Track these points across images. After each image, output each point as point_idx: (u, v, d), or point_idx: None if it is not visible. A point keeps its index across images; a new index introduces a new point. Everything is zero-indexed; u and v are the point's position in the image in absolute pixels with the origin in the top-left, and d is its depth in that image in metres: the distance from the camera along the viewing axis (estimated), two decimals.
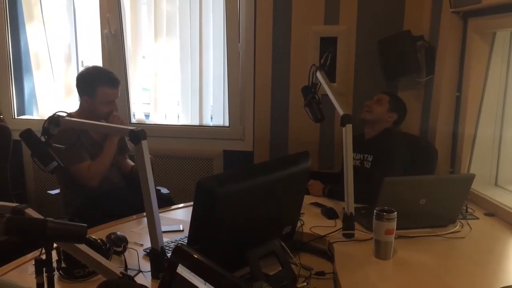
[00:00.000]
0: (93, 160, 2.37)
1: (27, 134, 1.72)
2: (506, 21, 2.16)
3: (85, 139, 2.38)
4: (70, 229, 1.15)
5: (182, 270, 0.85)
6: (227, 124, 3.34)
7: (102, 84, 2.36)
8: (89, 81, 2.39)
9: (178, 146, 3.35)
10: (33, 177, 3.55)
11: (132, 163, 2.62)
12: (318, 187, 2.41)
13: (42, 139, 1.71)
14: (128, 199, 2.24)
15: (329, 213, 2.10)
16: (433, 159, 2.59)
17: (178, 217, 2.15)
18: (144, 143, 1.46)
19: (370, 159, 2.48)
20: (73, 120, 1.74)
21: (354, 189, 1.84)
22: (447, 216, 1.97)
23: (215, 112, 3.38)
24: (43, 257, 1.15)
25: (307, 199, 2.23)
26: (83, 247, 1.30)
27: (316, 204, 2.24)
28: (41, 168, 1.72)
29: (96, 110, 2.38)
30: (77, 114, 2.42)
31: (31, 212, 1.29)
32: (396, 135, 2.58)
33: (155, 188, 1.52)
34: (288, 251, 1.61)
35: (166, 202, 2.39)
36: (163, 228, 1.60)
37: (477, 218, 2.10)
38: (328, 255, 1.77)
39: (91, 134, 2.44)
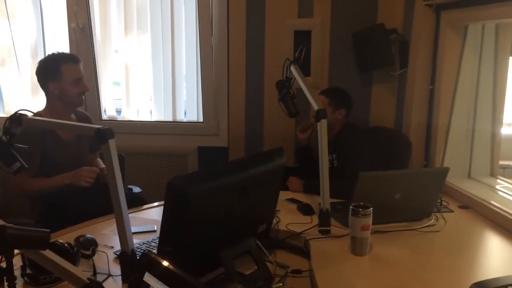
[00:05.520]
0: (58, 162, 2.28)
1: None
2: (477, 14, 2.17)
3: (51, 139, 2.29)
4: (32, 235, 1.09)
5: (149, 279, 0.81)
6: (201, 119, 3.27)
7: (64, 62, 2.31)
8: (50, 64, 2.31)
9: (151, 143, 3.27)
10: None
11: (102, 165, 2.50)
12: (298, 183, 2.39)
13: (4, 139, 1.63)
14: (98, 198, 2.17)
15: (305, 209, 2.08)
16: (407, 152, 2.60)
17: (151, 217, 2.08)
18: (112, 142, 1.41)
19: (336, 158, 2.48)
20: (36, 119, 1.67)
21: (329, 186, 1.81)
22: (422, 210, 1.97)
23: (189, 107, 3.31)
24: (3, 265, 1.09)
25: (283, 195, 2.20)
26: (47, 252, 1.23)
27: (291, 200, 2.22)
28: (4, 170, 1.64)
29: (67, 94, 2.30)
30: (45, 111, 2.33)
31: None
32: (353, 129, 2.55)
33: (127, 187, 1.47)
34: (264, 249, 1.57)
35: (138, 202, 2.32)
36: (135, 229, 1.55)
37: (452, 211, 2.11)
38: (304, 252, 1.75)
39: (58, 133, 2.34)
